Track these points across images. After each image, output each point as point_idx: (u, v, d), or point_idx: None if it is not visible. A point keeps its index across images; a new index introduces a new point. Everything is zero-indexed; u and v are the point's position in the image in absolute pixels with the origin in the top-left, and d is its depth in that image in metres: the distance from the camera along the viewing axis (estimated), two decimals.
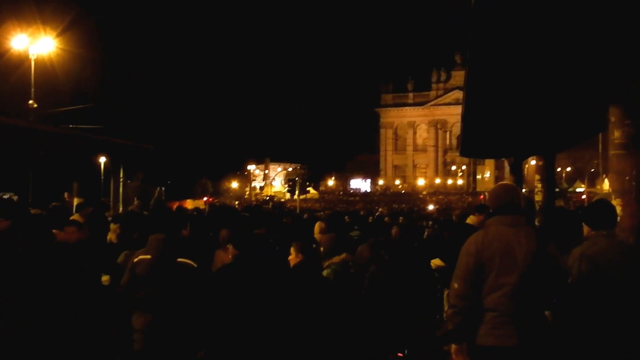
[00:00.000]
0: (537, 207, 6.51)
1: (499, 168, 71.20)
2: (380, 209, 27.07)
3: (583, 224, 4.28)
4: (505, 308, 3.75)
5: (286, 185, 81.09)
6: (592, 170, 57.20)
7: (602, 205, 4.26)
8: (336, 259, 6.11)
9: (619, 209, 4.13)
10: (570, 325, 4.02)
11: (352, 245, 7.05)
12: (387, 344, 5.82)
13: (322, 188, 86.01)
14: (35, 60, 23.82)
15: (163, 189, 26.78)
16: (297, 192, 42.95)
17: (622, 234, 4.11)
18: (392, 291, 5.97)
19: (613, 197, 4.23)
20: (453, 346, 3.91)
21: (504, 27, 3.26)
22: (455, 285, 3.95)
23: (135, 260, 5.24)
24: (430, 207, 37.39)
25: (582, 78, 4.10)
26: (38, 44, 24.22)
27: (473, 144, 7.41)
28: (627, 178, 4.07)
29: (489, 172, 75.58)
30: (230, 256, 5.18)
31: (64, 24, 27.55)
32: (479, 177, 78.62)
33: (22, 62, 24.64)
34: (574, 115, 5.07)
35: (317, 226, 7.16)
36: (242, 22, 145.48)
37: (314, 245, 5.56)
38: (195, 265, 5.13)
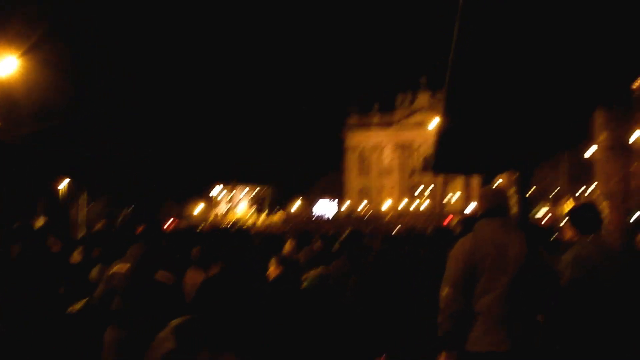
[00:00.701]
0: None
1: (467, 188, 71.76)
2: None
3: (566, 229, 4.29)
4: (497, 311, 3.66)
5: (253, 208, 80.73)
6: (557, 190, 57.97)
7: (588, 209, 4.26)
8: (313, 272, 6.07)
9: (606, 211, 4.14)
10: (562, 329, 3.94)
11: (327, 260, 6.94)
12: (370, 350, 5.71)
13: (287, 211, 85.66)
14: None
15: (129, 209, 26.48)
16: (265, 212, 43.02)
17: (608, 236, 4.13)
18: (375, 299, 5.88)
19: (601, 199, 4.25)
20: (443, 353, 3.80)
21: (484, 37, 3.27)
22: (446, 290, 3.86)
23: (112, 272, 5.03)
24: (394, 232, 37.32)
25: (565, 85, 4.12)
26: (1, 64, 23.84)
27: (447, 159, 7.45)
28: (614, 180, 4.08)
29: (459, 192, 76.25)
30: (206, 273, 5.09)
31: (29, 44, 27.13)
32: (446, 199, 79.21)
33: None
34: (557, 125, 5.10)
35: (288, 243, 7.16)
36: (209, 42, 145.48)
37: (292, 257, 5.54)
38: (173, 281, 4.95)
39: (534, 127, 5.10)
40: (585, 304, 3.86)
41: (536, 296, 3.71)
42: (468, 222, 7.88)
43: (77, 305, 5.67)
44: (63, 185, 47.66)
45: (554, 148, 6.36)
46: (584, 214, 4.25)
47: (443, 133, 5.66)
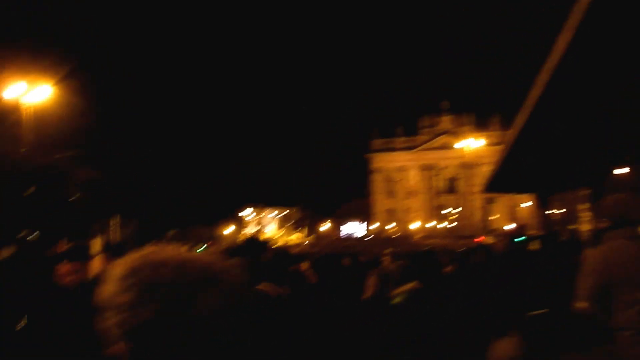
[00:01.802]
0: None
1: (509, 208, 71.30)
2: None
3: None
4: None
5: (282, 229, 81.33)
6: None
7: None
8: (406, 286, 6.29)
9: None
10: None
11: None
12: None
13: (314, 233, 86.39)
14: (29, 108, 24.36)
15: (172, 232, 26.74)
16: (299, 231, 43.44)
17: None
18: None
19: None
20: None
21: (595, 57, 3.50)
22: (583, 304, 3.76)
23: None
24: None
25: None
26: (33, 92, 24.76)
27: (508, 178, 7.62)
28: None
29: (498, 214, 75.60)
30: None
31: (61, 74, 28.03)
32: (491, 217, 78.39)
33: (15, 109, 25.08)
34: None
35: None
36: (228, 61, 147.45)
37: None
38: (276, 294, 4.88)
39: (617, 142, 5.18)
40: None
41: None
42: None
43: None
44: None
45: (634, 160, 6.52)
46: None
47: (512, 152, 5.72)
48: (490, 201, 72.32)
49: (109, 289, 1.23)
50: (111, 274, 1.26)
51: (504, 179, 7.61)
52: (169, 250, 1.31)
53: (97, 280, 5.36)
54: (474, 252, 10.54)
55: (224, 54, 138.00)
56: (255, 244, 5.85)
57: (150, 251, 1.28)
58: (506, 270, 7.16)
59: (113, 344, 1.22)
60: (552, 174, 7.23)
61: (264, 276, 5.36)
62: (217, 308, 1.22)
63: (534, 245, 9.12)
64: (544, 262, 7.17)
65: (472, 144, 55.79)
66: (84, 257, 5.32)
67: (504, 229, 68.73)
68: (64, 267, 4.87)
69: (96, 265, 5.77)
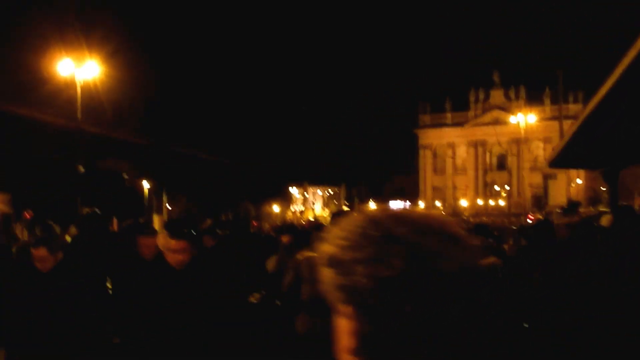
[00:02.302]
0: None
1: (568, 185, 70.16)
2: None
3: None
4: None
5: (326, 208, 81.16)
6: None
7: None
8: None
9: None
10: None
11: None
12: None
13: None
14: (81, 84, 24.30)
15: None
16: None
17: None
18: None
19: None
20: None
21: None
22: None
23: (300, 258, 4.97)
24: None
25: None
26: (84, 69, 24.68)
27: (577, 153, 7.29)
28: None
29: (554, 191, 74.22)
30: None
31: (111, 49, 28.06)
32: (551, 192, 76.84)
33: (67, 86, 25.11)
34: None
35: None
36: (284, 47, 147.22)
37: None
38: None
39: None
40: None
41: None
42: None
43: (256, 296, 5.72)
44: (146, 185, 48.88)
45: None
46: None
47: (589, 124, 5.52)
48: (550, 177, 70.70)
49: (340, 243, 1.11)
50: (342, 227, 1.15)
51: (574, 153, 6.98)
52: (402, 208, 1.24)
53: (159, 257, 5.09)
54: (538, 228, 9.94)
55: (274, 34, 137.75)
56: (342, 216, 5.28)
57: (383, 207, 1.20)
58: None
59: (335, 309, 1.13)
60: (632, 145, 6.68)
61: None
62: (463, 266, 1.10)
63: (605, 221, 8.52)
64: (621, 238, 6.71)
65: (525, 119, 53.99)
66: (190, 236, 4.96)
67: (557, 207, 67.02)
68: (178, 244, 4.73)
69: (161, 242, 5.72)
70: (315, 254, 4.63)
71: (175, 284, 4.53)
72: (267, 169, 75.09)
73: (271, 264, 5.95)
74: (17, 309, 5.10)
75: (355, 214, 1.18)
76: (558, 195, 68.81)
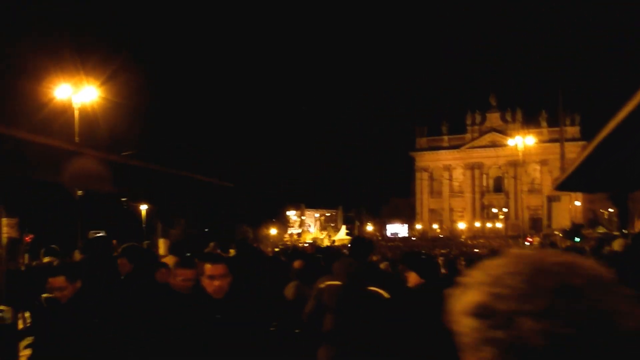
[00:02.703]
0: None
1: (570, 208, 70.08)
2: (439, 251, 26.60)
3: None
4: None
5: (324, 231, 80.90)
6: None
7: None
8: None
9: None
10: None
11: None
12: None
13: (356, 233, 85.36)
14: (78, 109, 24.28)
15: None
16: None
17: None
18: None
19: None
20: None
21: None
22: None
23: (322, 286, 4.84)
24: (476, 251, 36.85)
25: None
26: (81, 93, 24.70)
27: (586, 176, 7.22)
28: None
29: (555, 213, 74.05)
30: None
31: (107, 74, 28.12)
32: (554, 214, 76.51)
33: (65, 110, 25.12)
34: None
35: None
36: (285, 62, 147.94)
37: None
38: (388, 296, 4.68)
39: None
40: None
41: None
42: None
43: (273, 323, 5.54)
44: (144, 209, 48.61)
45: None
46: None
47: (604, 147, 5.41)
48: (553, 199, 70.61)
49: (494, 291, 0.98)
50: (489, 271, 1.03)
51: (584, 176, 6.91)
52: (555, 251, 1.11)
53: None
54: None
55: (267, 50, 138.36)
56: (362, 243, 5.29)
57: (537, 251, 1.06)
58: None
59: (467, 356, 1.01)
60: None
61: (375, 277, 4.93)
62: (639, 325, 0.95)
63: (617, 246, 8.45)
64: None
65: (523, 142, 54.14)
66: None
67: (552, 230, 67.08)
68: (216, 269, 4.22)
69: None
70: (337, 282, 4.70)
71: (217, 316, 4.01)
72: (265, 191, 74.92)
73: (290, 290, 5.80)
74: (38, 341, 4.82)
75: (503, 256, 1.07)
76: (561, 218, 68.72)
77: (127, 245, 9.66)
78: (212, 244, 12.96)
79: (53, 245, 8.86)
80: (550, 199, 70.32)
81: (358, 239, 5.48)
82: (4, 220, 14.92)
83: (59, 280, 4.84)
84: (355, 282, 4.68)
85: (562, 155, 31.28)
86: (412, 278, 4.92)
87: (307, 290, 5.53)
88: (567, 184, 8.51)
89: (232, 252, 12.13)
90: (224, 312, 3.95)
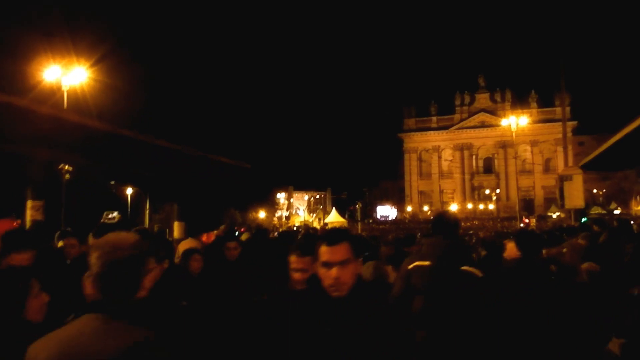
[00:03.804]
0: None
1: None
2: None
3: None
4: None
5: (313, 213, 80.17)
6: None
7: None
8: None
9: None
10: None
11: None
12: None
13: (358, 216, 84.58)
14: (67, 90, 23.47)
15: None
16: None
17: None
18: None
19: None
20: None
21: None
22: None
23: (410, 267, 4.55)
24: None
25: None
26: (70, 75, 23.85)
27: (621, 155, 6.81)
28: None
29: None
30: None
31: (97, 55, 27.18)
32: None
33: (54, 92, 24.30)
34: None
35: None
36: (272, 46, 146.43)
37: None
38: (481, 275, 4.39)
39: None
40: None
41: None
42: None
43: None
44: (130, 192, 48.06)
45: None
46: None
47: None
48: (566, 179, 70.41)
49: None
50: None
51: (619, 154, 6.53)
52: None
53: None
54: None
55: (254, 33, 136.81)
56: (449, 220, 4.85)
57: None
58: None
59: None
60: None
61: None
62: None
63: None
64: None
65: (516, 122, 53.52)
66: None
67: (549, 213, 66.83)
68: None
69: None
70: (426, 262, 4.42)
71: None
72: (253, 174, 73.97)
73: (368, 270, 5.17)
74: None
75: None
76: (574, 198, 68.48)
77: (138, 228, 8.95)
78: (222, 227, 12.16)
79: (68, 229, 8.17)
80: (562, 178, 69.96)
81: (444, 216, 4.92)
82: (30, 203, 14.29)
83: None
84: (446, 262, 4.42)
85: (564, 135, 30.57)
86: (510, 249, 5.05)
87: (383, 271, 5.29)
88: (593, 163, 8.18)
89: (243, 237, 11.39)
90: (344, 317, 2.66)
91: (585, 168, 10.81)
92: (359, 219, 41.60)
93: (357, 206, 44.13)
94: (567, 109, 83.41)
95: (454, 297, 4.25)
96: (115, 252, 2.27)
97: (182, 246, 6.79)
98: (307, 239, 3.89)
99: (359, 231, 39.62)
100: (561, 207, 63.31)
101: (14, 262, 3.92)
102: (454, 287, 4.29)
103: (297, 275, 3.42)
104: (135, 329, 2.14)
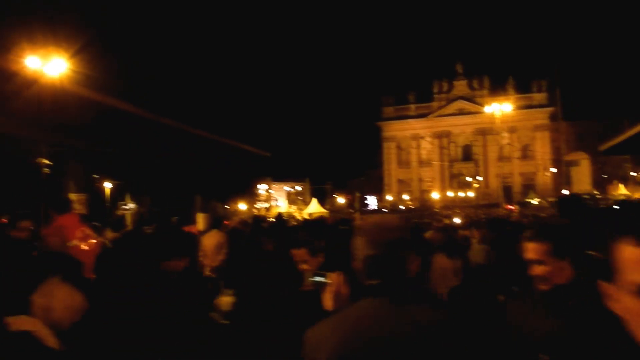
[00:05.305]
0: None
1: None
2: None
3: None
4: None
5: (292, 205, 79.81)
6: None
7: None
8: None
9: None
10: None
11: None
12: None
13: (327, 206, 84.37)
14: (46, 81, 23.04)
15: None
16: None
17: None
18: None
19: None
20: None
21: None
22: None
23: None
24: (457, 220, 35.92)
25: None
26: (50, 65, 23.33)
27: None
28: None
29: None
30: None
31: (77, 46, 26.67)
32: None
33: (33, 82, 23.89)
34: None
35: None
36: (244, 34, 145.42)
37: None
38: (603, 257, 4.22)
39: None
40: None
41: None
42: None
43: None
44: (109, 186, 47.57)
45: None
46: None
47: None
48: (572, 164, 71.14)
49: None
50: None
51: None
52: None
53: None
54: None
55: (234, 19, 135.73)
56: (573, 202, 4.59)
57: None
58: None
59: None
60: None
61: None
62: None
63: None
64: None
65: (498, 109, 53.62)
66: None
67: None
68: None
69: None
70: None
71: None
72: (233, 166, 73.38)
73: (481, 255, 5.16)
74: None
75: None
76: (582, 182, 69.12)
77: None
78: (235, 218, 11.99)
79: (94, 223, 8.01)
80: (569, 164, 70.46)
81: (569, 198, 4.67)
82: (74, 196, 13.93)
83: (301, 253, 4.85)
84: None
85: (560, 118, 30.64)
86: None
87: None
88: (617, 147, 7.87)
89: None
90: None
91: (608, 153, 10.63)
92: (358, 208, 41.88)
93: (355, 195, 44.66)
94: (544, 95, 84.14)
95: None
96: (388, 233, 2.25)
97: (207, 239, 6.39)
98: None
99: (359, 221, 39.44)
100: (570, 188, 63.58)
101: None
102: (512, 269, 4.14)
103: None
104: (425, 310, 2.15)
